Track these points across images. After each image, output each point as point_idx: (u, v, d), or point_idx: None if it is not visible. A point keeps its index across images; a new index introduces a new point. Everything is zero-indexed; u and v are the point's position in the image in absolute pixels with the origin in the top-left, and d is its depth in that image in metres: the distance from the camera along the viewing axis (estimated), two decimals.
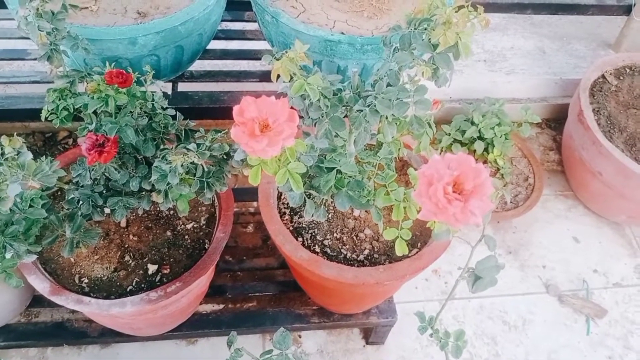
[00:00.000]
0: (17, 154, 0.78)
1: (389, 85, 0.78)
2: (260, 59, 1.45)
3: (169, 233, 1.15)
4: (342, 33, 1.14)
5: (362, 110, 0.76)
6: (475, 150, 1.71)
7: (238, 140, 0.62)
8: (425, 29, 0.81)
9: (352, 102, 0.78)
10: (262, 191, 1.18)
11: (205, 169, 0.90)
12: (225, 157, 0.94)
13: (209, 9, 1.16)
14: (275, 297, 1.48)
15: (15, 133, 0.94)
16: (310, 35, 1.12)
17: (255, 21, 1.46)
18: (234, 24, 1.39)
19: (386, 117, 0.75)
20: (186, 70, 1.32)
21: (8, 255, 0.86)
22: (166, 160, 0.88)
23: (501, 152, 1.71)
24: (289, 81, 0.77)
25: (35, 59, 1.34)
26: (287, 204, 1.20)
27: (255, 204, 1.65)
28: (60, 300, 1.01)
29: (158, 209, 1.18)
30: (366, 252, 1.13)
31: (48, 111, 1.02)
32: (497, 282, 0.88)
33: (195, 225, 1.17)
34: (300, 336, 1.49)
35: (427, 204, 0.55)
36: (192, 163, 0.87)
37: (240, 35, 1.43)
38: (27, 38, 1.39)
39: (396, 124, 0.76)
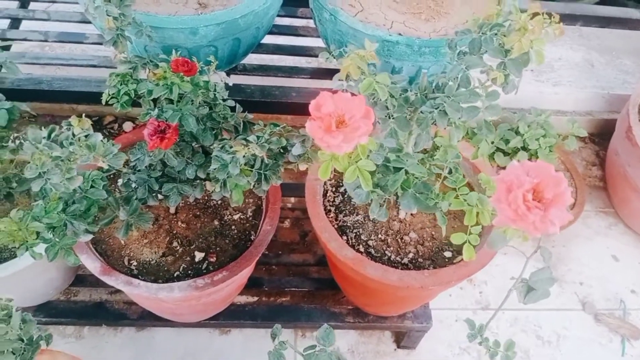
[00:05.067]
0: (86, 135, 0.80)
1: (459, 88, 0.78)
2: (312, 55, 1.46)
3: (216, 222, 1.16)
4: (400, 34, 1.14)
5: (429, 112, 0.76)
6: (518, 161, 1.69)
7: (313, 134, 0.62)
8: (496, 34, 0.81)
9: (418, 103, 0.78)
10: (309, 187, 1.18)
11: (264, 162, 0.91)
12: (282, 150, 0.95)
13: (268, 3, 1.17)
14: (309, 293, 1.49)
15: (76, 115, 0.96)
16: (368, 34, 1.12)
17: (308, 18, 1.47)
18: (287, 20, 1.40)
19: (453, 121, 0.75)
20: (239, 62, 1.33)
21: (68, 233, 0.88)
22: (227, 150, 0.89)
23: None
24: (357, 79, 0.77)
25: (93, 43, 1.37)
26: (333, 201, 1.21)
27: (293, 199, 1.66)
28: (110, 280, 1.03)
29: (207, 198, 1.19)
30: (410, 255, 1.12)
31: (109, 95, 1.04)
32: (549, 295, 0.87)
33: (242, 217, 1.18)
34: None
35: (506, 210, 0.54)
36: (253, 155, 0.88)
37: (293, 31, 1.43)
38: (86, 22, 1.42)
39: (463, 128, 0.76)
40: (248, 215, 1.18)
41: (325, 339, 0.92)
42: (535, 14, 0.78)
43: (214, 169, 0.88)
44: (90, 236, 0.93)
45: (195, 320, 1.30)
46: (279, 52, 1.39)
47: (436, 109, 0.75)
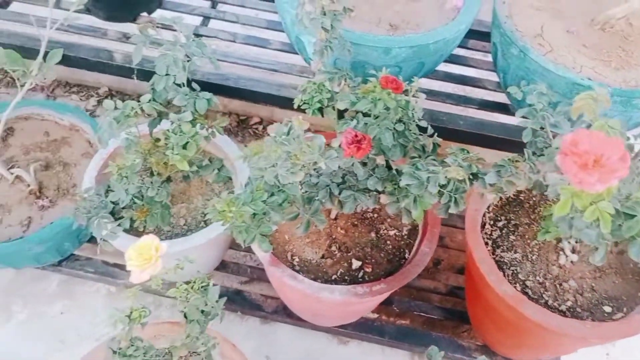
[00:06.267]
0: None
1: None
2: (479, 87, 1.47)
3: (372, 234, 1.19)
4: (589, 79, 1.13)
5: None
6: None
7: (567, 169, 0.63)
8: None
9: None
10: (469, 217, 1.19)
11: (455, 185, 0.93)
12: (470, 177, 0.97)
13: (458, 33, 1.20)
14: (428, 320, 1.48)
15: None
16: (559, 75, 1.12)
17: (478, 50, 1.49)
18: (458, 50, 1.43)
19: None
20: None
21: (264, 222, 0.94)
22: (419, 168, 0.92)
23: None
24: (590, 120, 0.77)
25: (275, 49, 1.47)
26: (490, 235, 1.20)
27: None
28: (277, 271, 1.08)
29: (364, 209, 1.23)
30: (569, 303, 1.09)
31: (302, 100, 1.11)
32: None
33: (397, 234, 1.20)
34: None
35: None
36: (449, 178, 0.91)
37: (463, 61, 1.46)
38: (271, 29, 1.52)
39: None
40: (403, 234, 1.21)
41: None
42: None
43: (409, 185, 0.92)
44: (275, 227, 1.00)
45: (330, 324, 1.33)
46: (448, 80, 1.42)
47: None
